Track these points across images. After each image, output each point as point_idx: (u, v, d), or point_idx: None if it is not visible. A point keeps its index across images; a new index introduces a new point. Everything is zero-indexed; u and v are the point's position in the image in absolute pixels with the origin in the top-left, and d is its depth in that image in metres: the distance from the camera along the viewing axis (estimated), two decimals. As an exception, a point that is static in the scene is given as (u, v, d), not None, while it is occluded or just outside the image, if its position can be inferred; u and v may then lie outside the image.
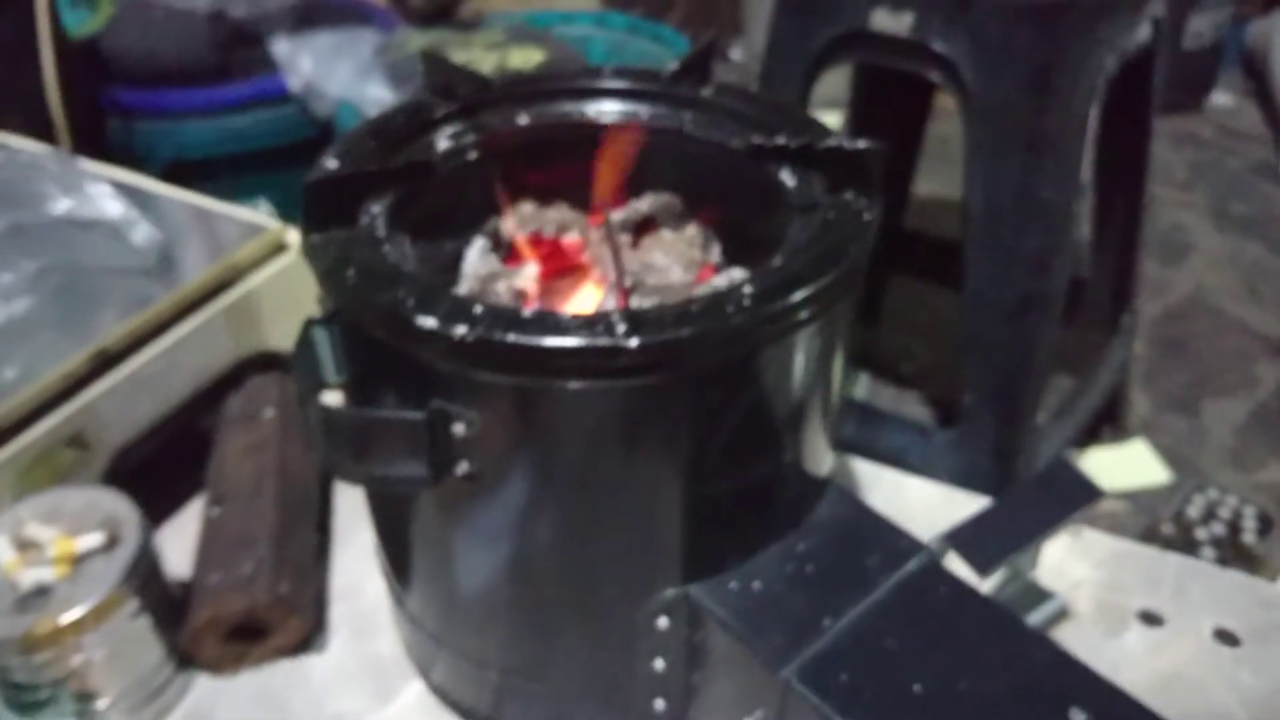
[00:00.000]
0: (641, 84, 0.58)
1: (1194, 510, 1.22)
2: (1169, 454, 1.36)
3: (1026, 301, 0.92)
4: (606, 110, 0.59)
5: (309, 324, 0.46)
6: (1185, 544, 1.16)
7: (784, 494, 0.50)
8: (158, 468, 0.69)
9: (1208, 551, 1.14)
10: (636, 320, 0.39)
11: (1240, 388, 1.51)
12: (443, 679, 0.58)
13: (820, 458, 0.52)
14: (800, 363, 0.45)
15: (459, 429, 0.42)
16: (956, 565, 0.53)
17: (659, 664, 0.51)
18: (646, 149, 0.58)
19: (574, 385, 0.40)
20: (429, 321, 0.39)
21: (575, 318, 0.40)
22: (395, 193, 0.48)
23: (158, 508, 0.71)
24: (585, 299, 0.55)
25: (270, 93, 1.31)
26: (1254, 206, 2.02)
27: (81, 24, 1.28)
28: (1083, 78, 0.87)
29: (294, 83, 1.24)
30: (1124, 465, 1.32)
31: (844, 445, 1.14)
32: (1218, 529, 1.19)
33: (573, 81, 0.59)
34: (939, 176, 1.57)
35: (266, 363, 0.75)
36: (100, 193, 0.62)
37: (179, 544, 0.65)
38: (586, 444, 0.43)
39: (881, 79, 1.26)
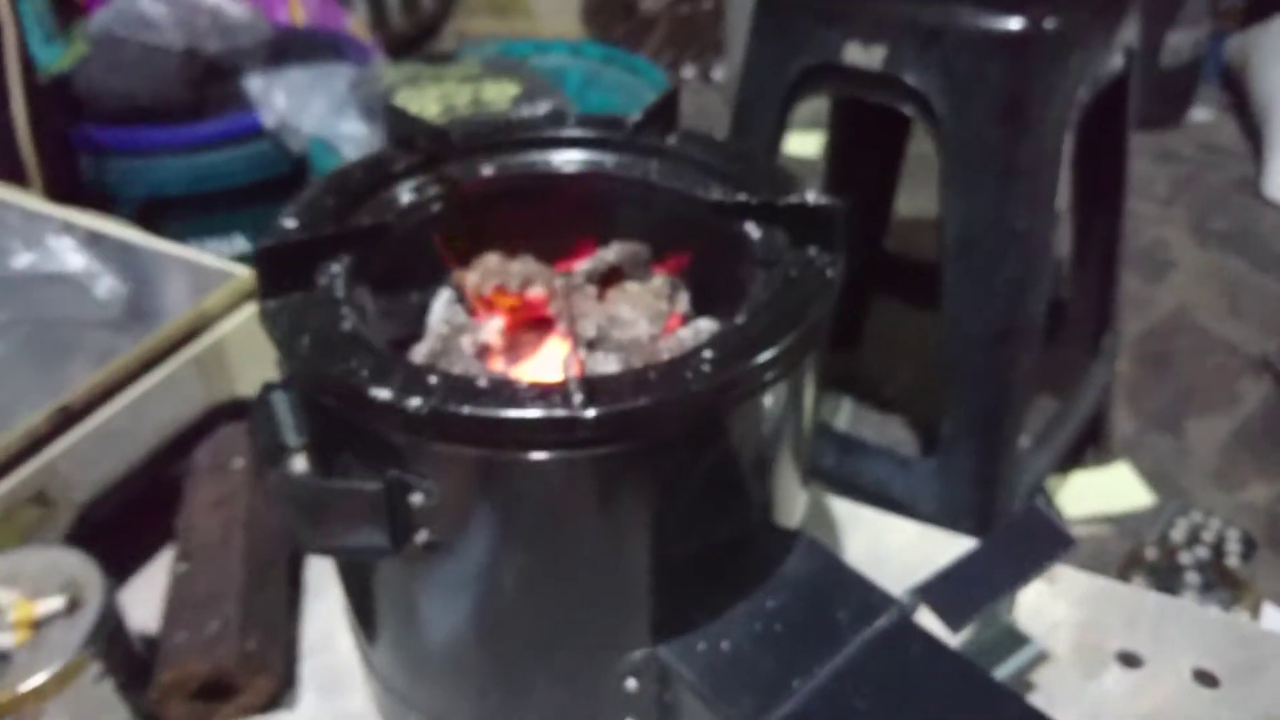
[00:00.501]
0: (605, 132, 0.58)
1: (1178, 534, 1.21)
2: (1152, 474, 1.36)
3: (1004, 331, 0.92)
4: (570, 159, 0.58)
5: (266, 388, 0.46)
6: (1169, 568, 1.15)
7: (752, 551, 0.49)
8: (126, 519, 0.68)
9: (1192, 576, 1.14)
10: (593, 390, 0.38)
11: (1224, 405, 1.51)
12: (414, 737, 0.57)
13: (790, 511, 0.52)
14: (765, 423, 0.44)
15: (417, 499, 0.41)
16: (929, 617, 0.52)
17: (629, 723, 0.50)
18: (612, 198, 0.58)
19: (532, 456, 0.39)
20: (383, 393, 0.39)
21: (532, 387, 0.39)
22: (355, 250, 0.48)
23: (126, 559, 0.70)
24: (551, 352, 0.55)
25: (244, 129, 1.30)
26: (1235, 221, 2.03)
27: (52, 61, 1.28)
28: (1055, 108, 0.87)
29: (268, 119, 1.24)
30: (1107, 488, 1.32)
31: (826, 477, 1.14)
32: (1201, 553, 1.18)
33: (536, 131, 0.58)
34: (922, 195, 1.57)
35: (237, 410, 0.74)
36: (63, 246, 0.61)
37: (147, 597, 0.64)
38: (547, 512, 0.42)
39: (860, 101, 1.26)
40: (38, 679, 0.52)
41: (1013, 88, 0.84)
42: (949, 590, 0.51)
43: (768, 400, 0.43)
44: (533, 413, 0.38)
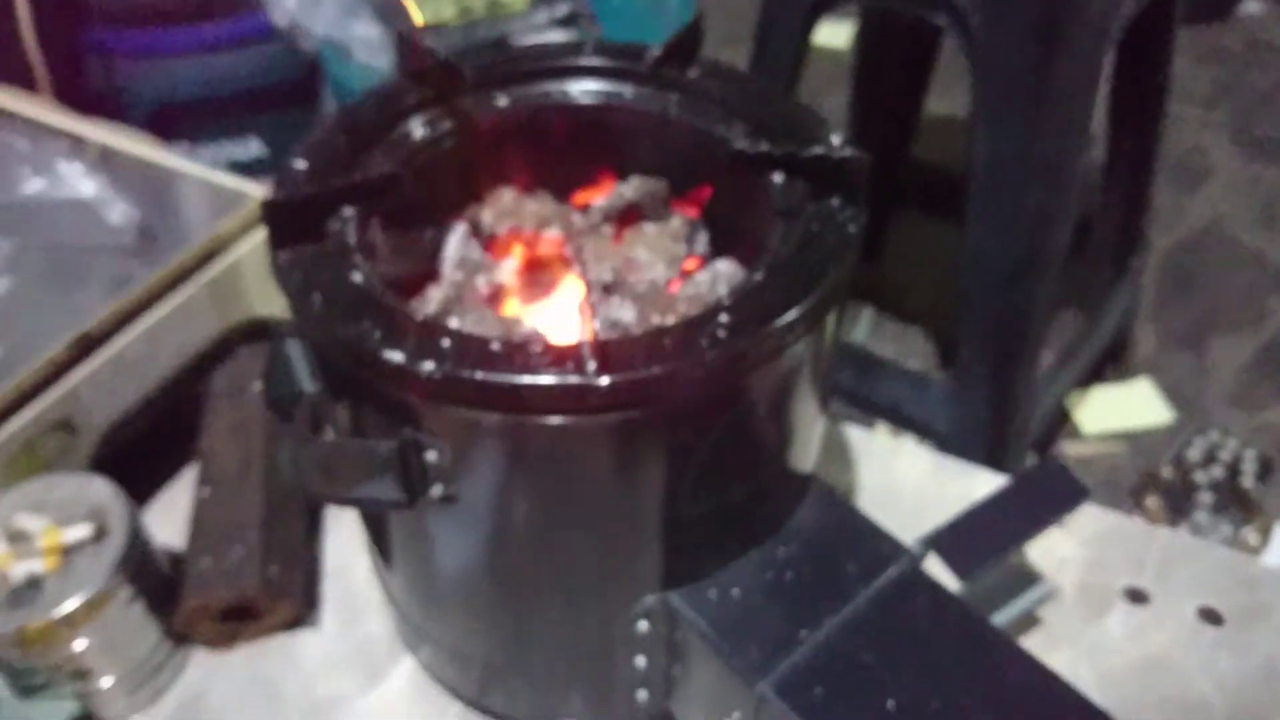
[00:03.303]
0: (624, 63, 0.56)
1: (1194, 453, 1.21)
2: (1172, 393, 1.35)
3: (1026, 260, 0.90)
4: (588, 90, 0.56)
5: (280, 338, 0.45)
6: (1183, 488, 1.16)
7: (765, 503, 0.50)
8: (147, 442, 0.69)
9: (1205, 496, 1.15)
10: (607, 356, 0.38)
11: (1249, 324, 1.48)
12: (429, 663, 0.59)
13: (805, 459, 0.52)
14: (782, 385, 0.44)
15: (431, 456, 0.41)
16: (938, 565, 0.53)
17: (640, 661, 0.52)
18: (630, 131, 0.56)
19: (545, 420, 0.39)
20: (396, 356, 0.38)
21: (546, 352, 0.39)
22: (366, 199, 0.47)
23: (149, 480, 0.71)
24: (566, 294, 0.54)
25: (255, 31, 1.26)
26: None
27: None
28: (1096, 24, 0.82)
29: (278, 19, 1.20)
30: (1126, 405, 1.31)
31: (842, 395, 1.14)
32: (1217, 473, 1.18)
33: (553, 60, 0.56)
34: (958, 94, 1.52)
35: (253, 333, 0.74)
36: (74, 171, 0.60)
37: (171, 517, 0.66)
38: (560, 472, 0.42)
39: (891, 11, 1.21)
40: (70, 606, 0.53)
41: (1052, 2, 0.80)
42: (960, 539, 0.51)
43: (785, 363, 0.42)
44: (546, 379, 0.38)
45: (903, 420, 1.08)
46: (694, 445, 0.42)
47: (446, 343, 0.39)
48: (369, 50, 1.08)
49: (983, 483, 0.72)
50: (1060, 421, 1.30)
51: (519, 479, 0.42)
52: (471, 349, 0.38)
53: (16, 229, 0.62)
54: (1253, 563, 0.69)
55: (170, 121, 1.29)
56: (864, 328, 1.43)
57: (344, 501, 0.44)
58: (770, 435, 0.46)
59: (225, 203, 0.71)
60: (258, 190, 0.73)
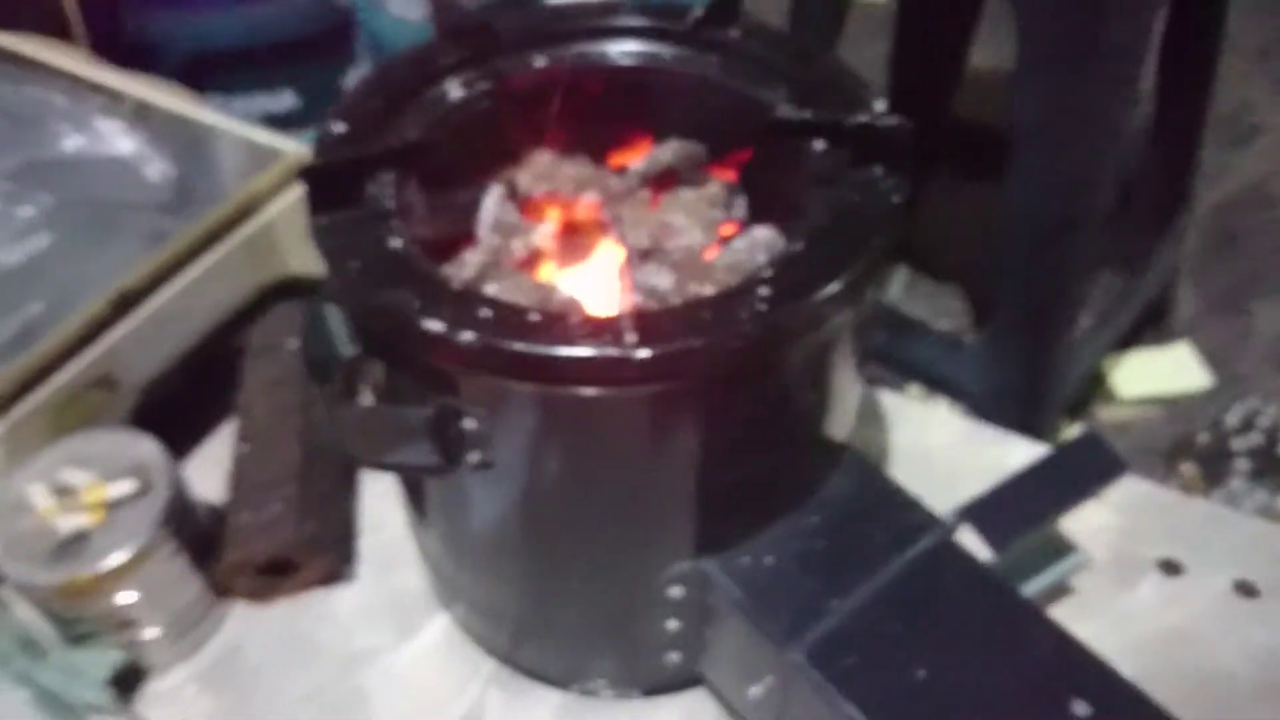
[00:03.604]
0: (663, 23, 0.55)
1: (1232, 419, 1.20)
2: (1212, 357, 1.33)
3: (1066, 222, 0.88)
4: (626, 50, 0.55)
5: (317, 304, 0.46)
6: (1219, 454, 1.14)
7: (799, 472, 0.50)
8: (187, 395, 0.70)
9: (1242, 463, 1.13)
10: (646, 328, 0.38)
11: (1294, 287, 1.45)
12: (463, 620, 0.60)
13: (840, 429, 0.52)
14: (820, 357, 0.43)
15: (469, 424, 0.42)
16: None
17: (672, 624, 0.52)
18: (668, 93, 0.56)
19: (583, 391, 0.39)
20: (434, 325, 0.38)
21: (584, 323, 0.38)
22: (402, 163, 0.47)
23: (189, 433, 0.72)
24: (603, 259, 0.54)
25: (290, -21, 1.26)
26: (1332, 82, 1.89)
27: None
28: (1150, -19, 0.80)
29: (312, -31, 1.19)
30: (1164, 369, 1.29)
31: (875, 354, 1.13)
32: (1255, 439, 1.17)
33: (591, 20, 0.55)
34: (1002, 48, 1.48)
35: (288, 289, 0.75)
36: (111, 129, 0.61)
37: (212, 470, 0.67)
38: (597, 441, 0.42)
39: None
40: (116, 560, 0.55)
41: (1105, -43, 0.78)
42: (994, 512, 0.51)
43: (824, 335, 0.42)
44: (585, 351, 0.38)
45: (935, 381, 1.07)
46: (730, 416, 0.42)
47: (485, 312, 0.39)
48: (402, 2, 1.06)
49: (1017, 450, 0.71)
50: (1096, 384, 1.29)
51: (555, 447, 0.43)
52: (510, 319, 0.38)
53: (56, 185, 0.63)
54: (1291, 535, 0.68)
55: (204, 72, 1.28)
56: (898, 286, 1.42)
57: (381, 466, 0.45)
58: (806, 406, 0.46)
59: (260, 159, 0.71)
60: (292, 146, 0.72)
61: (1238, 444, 1.14)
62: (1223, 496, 1.11)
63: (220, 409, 0.72)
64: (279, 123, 1.39)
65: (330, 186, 0.43)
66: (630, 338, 0.37)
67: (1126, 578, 0.64)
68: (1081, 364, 1.07)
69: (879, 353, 1.09)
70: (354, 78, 1.38)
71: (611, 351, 0.37)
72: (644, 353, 0.37)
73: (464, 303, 0.39)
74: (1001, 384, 1.01)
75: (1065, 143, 0.85)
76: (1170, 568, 0.64)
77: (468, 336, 0.38)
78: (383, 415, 0.41)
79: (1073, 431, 1.24)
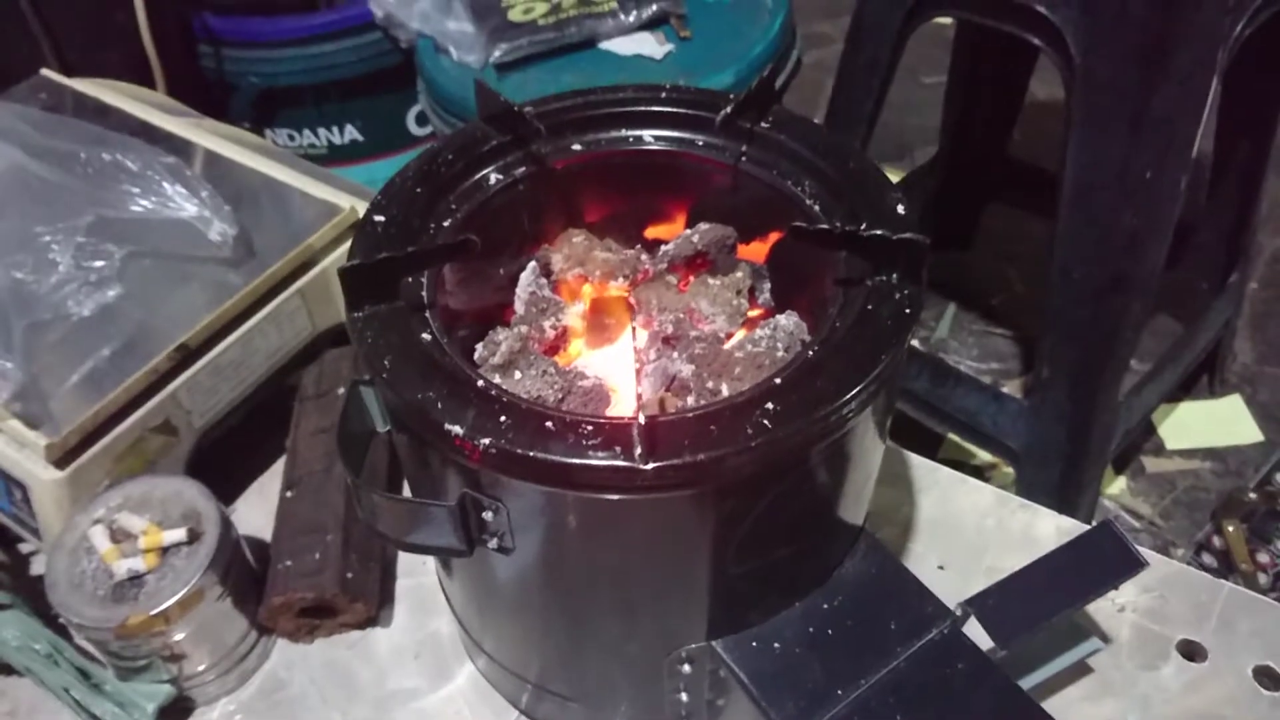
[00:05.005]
0: (698, 111, 0.56)
1: (1282, 477, 1.17)
2: (1266, 410, 1.30)
3: (1115, 283, 0.87)
4: (662, 136, 0.57)
5: (355, 385, 0.49)
6: (1268, 513, 1.12)
7: (811, 560, 0.51)
8: (244, 432, 0.74)
9: (1291, 524, 1.11)
10: (655, 440, 0.40)
11: (1358, 338, 1.41)
12: (486, 673, 0.62)
13: (855, 516, 0.53)
14: (830, 463, 0.45)
15: (488, 515, 0.44)
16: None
17: (683, 696, 0.54)
18: (701, 178, 0.57)
19: (594, 495, 0.41)
20: (455, 429, 0.41)
21: (596, 431, 0.40)
22: (438, 262, 0.49)
23: (246, 467, 0.76)
24: (627, 342, 0.56)
25: (357, 20, 1.30)
26: None
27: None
28: (1203, 52, 0.79)
29: (376, 11, 1.23)
30: (1215, 421, 1.27)
31: (915, 401, 1.13)
32: (1306, 498, 1.14)
33: (627, 106, 0.57)
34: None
35: (340, 336, 0.78)
36: (176, 193, 0.64)
37: (264, 505, 0.70)
38: (608, 538, 0.44)
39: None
40: (167, 602, 0.58)
41: (1157, 27, 0.77)
42: (1003, 605, 0.52)
43: (835, 443, 0.43)
44: (595, 461, 0.39)
45: (975, 435, 1.07)
46: (741, 518, 0.43)
47: (504, 418, 0.41)
48: (461, 47, 1.09)
49: (1044, 521, 0.71)
50: (1146, 434, 1.27)
51: (568, 542, 0.45)
52: (526, 426, 0.41)
53: (126, 241, 0.67)
54: (1320, 625, 0.67)
55: (274, 107, 1.34)
56: (946, 324, 1.41)
57: (408, 547, 0.47)
58: (819, 503, 0.48)
59: (319, 212, 0.75)
60: (348, 201, 0.76)
61: (1288, 503, 1.12)
62: (1267, 555, 1.09)
63: (276, 446, 0.76)
64: (343, 154, 1.45)
65: (368, 284, 0.45)
66: (638, 450, 0.39)
67: (1148, 659, 0.64)
68: (1129, 420, 1.05)
69: (918, 400, 1.09)
70: (413, 115, 1.42)
71: (619, 463, 0.39)
72: (651, 465, 0.39)
73: (484, 406, 0.41)
74: (1043, 441, 1.00)
75: (1114, 206, 0.84)
76: (1192, 652, 0.64)
77: (485, 442, 0.40)
78: (409, 506, 0.44)
79: (1119, 485, 1.23)
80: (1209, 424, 1.26)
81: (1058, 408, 0.96)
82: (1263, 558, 1.08)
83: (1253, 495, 1.13)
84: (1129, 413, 1.04)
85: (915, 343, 1.39)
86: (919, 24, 0.92)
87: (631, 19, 1.12)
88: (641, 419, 0.39)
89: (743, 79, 1.09)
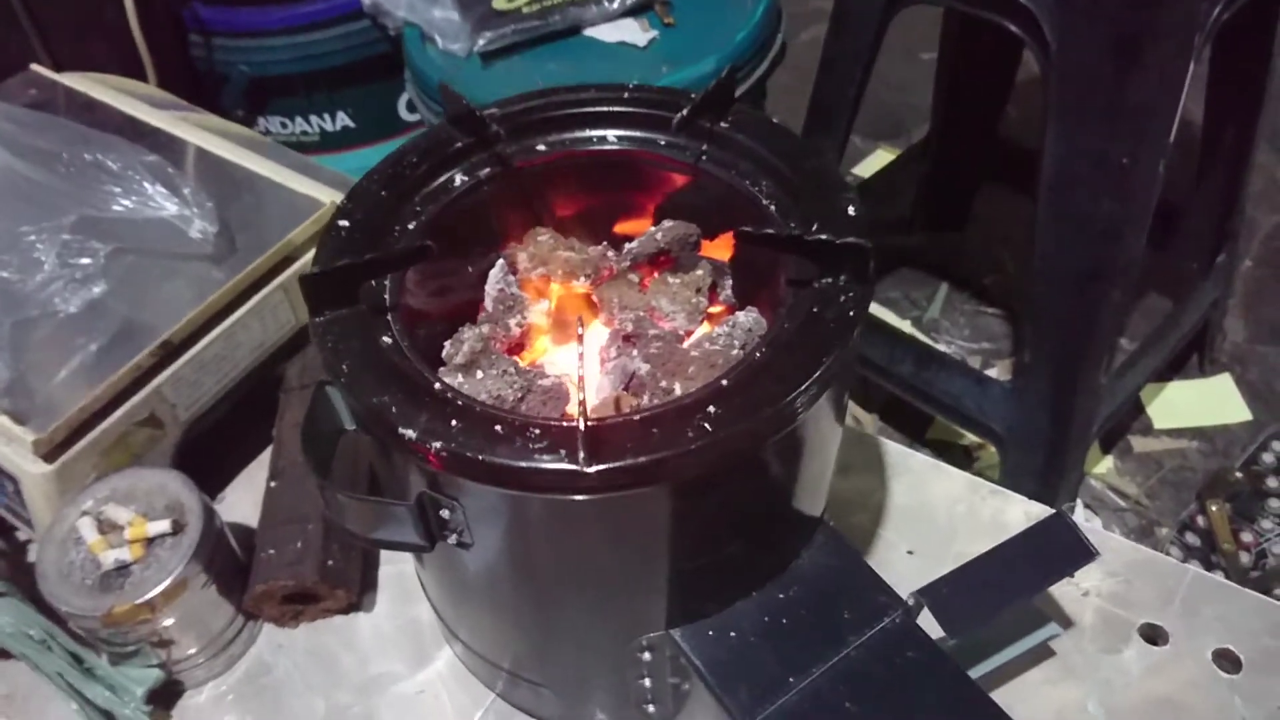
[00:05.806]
0: (659, 111, 0.57)
1: (1269, 457, 1.18)
2: (1255, 389, 1.30)
3: (1096, 271, 0.88)
4: (624, 136, 0.58)
5: (321, 385, 0.50)
6: (1253, 493, 1.13)
7: (767, 552, 0.53)
8: (230, 423, 0.76)
9: (1275, 503, 1.12)
10: (597, 444, 0.41)
11: (1353, 316, 1.41)
12: (462, 658, 0.64)
13: (812, 508, 0.54)
14: (776, 462, 0.46)
15: (445, 513, 0.46)
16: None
17: (646, 682, 0.56)
18: (663, 176, 0.58)
19: (542, 495, 0.43)
20: (409, 432, 0.42)
21: (543, 435, 0.42)
22: (400, 267, 0.51)
23: (233, 456, 0.78)
24: (593, 337, 0.57)
25: (344, 8, 1.30)
26: None
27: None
28: (1179, 38, 0.79)
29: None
30: (1204, 401, 1.27)
31: (900, 384, 1.14)
32: (1291, 479, 1.15)
33: (589, 107, 0.58)
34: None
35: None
36: (157, 193, 0.66)
37: (251, 493, 0.72)
38: (561, 535, 0.46)
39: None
40: (152, 591, 0.60)
41: (1133, 17, 0.77)
42: (954, 596, 0.53)
43: (779, 443, 0.45)
44: (541, 464, 0.41)
45: (960, 417, 1.07)
46: (689, 516, 0.45)
47: (455, 423, 0.42)
48: (447, 35, 1.10)
49: (1015, 506, 0.73)
50: (1134, 414, 1.27)
51: (523, 538, 0.46)
52: (477, 430, 0.42)
53: (111, 238, 0.68)
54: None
55: (265, 96, 1.35)
56: (938, 304, 1.41)
57: (372, 543, 0.49)
58: (771, 499, 0.49)
59: (300, 207, 0.76)
60: (327, 197, 0.77)
61: (1273, 483, 1.12)
62: (1252, 533, 1.10)
63: (266, 435, 0.78)
64: (336, 142, 1.47)
65: (330, 289, 0.47)
66: (582, 454, 0.41)
67: (1110, 643, 0.65)
68: (1113, 401, 1.06)
69: (904, 384, 1.10)
70: (404, 102, 1.43)
71: (564, 465, 0.41)
72: (594, 468, 0.40)
73: (438, 411, 0.43)
74: (1026, 424, 1.01)
75: (1093, 194, 0.85)
76: (1154, 636, 0.65)
77: (436, 445, 0.42)
78: (371, 505, 0.46)
79: (1105, 464, 1.24)
80: (1198, 403, 1.27)
81: (1040, 392, 0.97)
82: (1246, 537, 1.09)
83: (1238, 475, 1.14)
84: (1113, 395, 1.05)
85: (906, 324, 1.39)
86: (901, 9, 0.92)
87: (615, 6, 1.12)
88: (583, 424, 0.40)
89: (727, 65, 1.09)
